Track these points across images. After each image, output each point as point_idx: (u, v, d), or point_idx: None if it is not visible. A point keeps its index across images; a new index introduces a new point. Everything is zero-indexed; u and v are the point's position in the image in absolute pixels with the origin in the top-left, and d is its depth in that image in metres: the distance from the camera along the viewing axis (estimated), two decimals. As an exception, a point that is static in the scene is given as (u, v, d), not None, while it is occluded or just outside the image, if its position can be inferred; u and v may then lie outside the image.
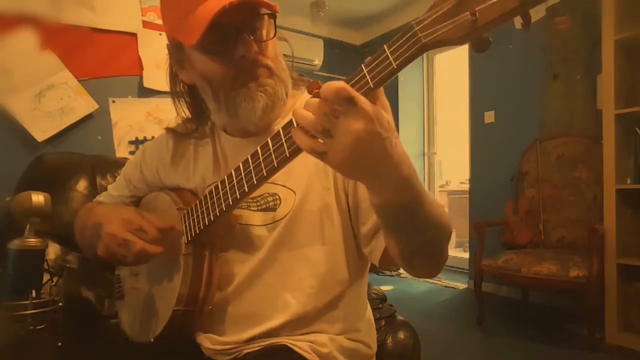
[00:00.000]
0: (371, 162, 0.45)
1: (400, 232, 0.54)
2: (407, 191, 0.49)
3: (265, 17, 0.65)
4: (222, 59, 0.64)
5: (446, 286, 3.39)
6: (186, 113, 0.78)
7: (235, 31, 0.62)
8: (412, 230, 0.54)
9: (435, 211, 0.54)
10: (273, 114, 0.68)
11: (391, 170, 0.46)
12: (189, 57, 0.68)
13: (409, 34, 0.42)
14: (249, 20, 0.63)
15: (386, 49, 0.43)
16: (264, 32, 0.66)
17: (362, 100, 0.42)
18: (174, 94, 0.77)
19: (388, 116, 0.45)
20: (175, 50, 0.70)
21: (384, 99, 0.46)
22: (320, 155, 0.46)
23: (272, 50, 0.68)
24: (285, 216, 0.69)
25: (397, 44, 0.43)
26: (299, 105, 0.47)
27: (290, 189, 0.69)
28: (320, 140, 0.45)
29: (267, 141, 0.55)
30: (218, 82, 0.66)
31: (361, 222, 0.68)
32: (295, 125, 0.48)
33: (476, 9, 0.38)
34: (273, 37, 0.67)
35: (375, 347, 0.79)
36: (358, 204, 0.68)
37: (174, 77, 0.76)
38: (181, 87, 0.76)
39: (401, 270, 3.95)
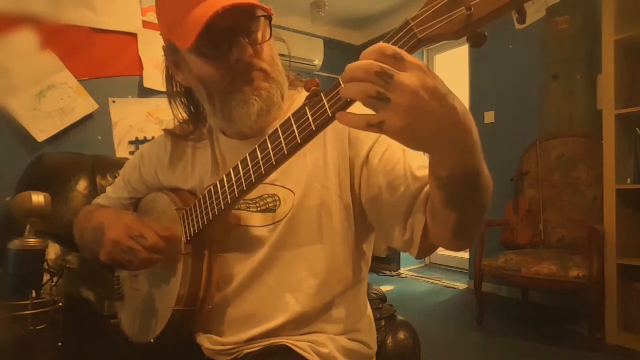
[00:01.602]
0: (435, 124, 0.40)
1: (462, 204, 0.49)
2: (475, 157, 0.45)
3: (261, 19, 0.65)
4: (217, 62, 0.64)
5: (446, 286, 3.39)
6: (183, 114, 0.78)
7: (230, 34, 0.62)
8: (473, 199, 0.49)
9: (487, 171, 0.49)
10: (269, 117, 0.68)
11: (458, 132, 0.42)
12: (184, 59, 0.68)
13: (405, 30, 0.42)
14: (244, 22, 0.63)
15: None
16: (260, 35, 0.66)
17: (408, 55, 0.39)
18: (170, 94, 0.77)
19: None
20: (171, 52, 0.70)
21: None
22: (378, 126, 0.41)
23: (267, 53, 0.67)
24: (285, 217, 0.68)
25: (394, 39, 0.43)
26: (296, 106, 0.46)
27: (289, 190, 0.69)
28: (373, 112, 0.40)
29: (265, 139, 0.55)
30: (213, 86, 0.66)
31: (389, 215, 0.62)
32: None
33: (471, 3, 0.38)
34: (268, 39, 0.66)
35: (375, 347, 0.79)
36: (379, 197, 0.63)
37: (170, 78, 0.75)
38: (178, 88, 0.76)
39: (401, 270, 3.95)
